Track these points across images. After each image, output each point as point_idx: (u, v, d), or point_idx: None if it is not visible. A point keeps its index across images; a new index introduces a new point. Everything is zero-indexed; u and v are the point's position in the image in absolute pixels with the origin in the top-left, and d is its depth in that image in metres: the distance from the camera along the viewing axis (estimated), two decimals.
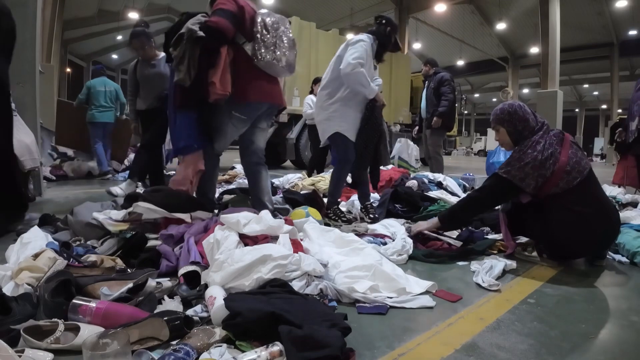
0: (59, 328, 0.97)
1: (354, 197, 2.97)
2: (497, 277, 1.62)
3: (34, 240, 1.58)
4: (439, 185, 3.57)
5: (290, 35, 2.22)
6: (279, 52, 2.13)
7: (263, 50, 2.10)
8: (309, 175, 4.63)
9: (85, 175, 5.13)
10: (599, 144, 27.25)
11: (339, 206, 2.70)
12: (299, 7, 15.19)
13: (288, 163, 8.38)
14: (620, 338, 1.18)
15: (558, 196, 1.73)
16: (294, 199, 2.81)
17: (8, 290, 1.17)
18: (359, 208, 2.78)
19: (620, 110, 18.15)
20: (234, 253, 1.35)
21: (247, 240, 1.53)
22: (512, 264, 1.76)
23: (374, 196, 3.06)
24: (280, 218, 1.83)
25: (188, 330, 1.02)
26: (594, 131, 30.52)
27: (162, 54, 3.36)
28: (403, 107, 9.63)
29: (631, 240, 1.97)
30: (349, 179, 3.18)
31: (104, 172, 5.06)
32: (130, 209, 1.86)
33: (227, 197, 2.89)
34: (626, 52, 17.74)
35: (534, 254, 1.98)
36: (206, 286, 1.27)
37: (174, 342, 0.97)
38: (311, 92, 5.42)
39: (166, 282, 1.31)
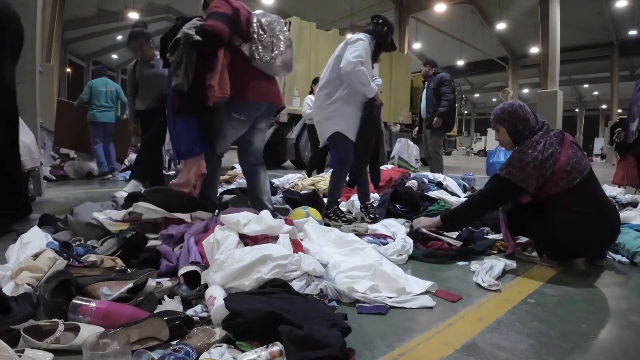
0: (59, 328, 0.97)
1: (354, 197, 2.97)
2: (497, 277, 1.62)
3: (34, 240, 1.58)
4: (439, 185, 3.57)
5: (287, 34, 2.23)
6: (276, 52, 2.14)
7: (261, 50, 2.11)
8: (309, 175, 4.63)
9: (85, 176, 5.13)
10: (599, 144, 27.27)
11: (339, 206, 2.70)
12: (299, 7, 15.20)
13: (288, 163, 8.38)
14: (620, 338, 1.18)
15: (558, 196, 1.73)
16: (293, 199, 2.81)
17: (8, 290, 1.17)
18: (359, 208, 2.78)
19: (620, 110, 18.15)
20: (234, 253, 1.35)
21: (247, 240, 1.53)
22: (512, 264, 1.76)
23: (374, 196, 3.06)
24: (280, 218, 1.84)
25: (188, 330, 1.02)
26: (594, 131, 30.52)
27: None
28: (403, 107, 9.63)
29: (631, 240, 1.97)
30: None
31: (104, 173, 5.07)
32: (130, 209, 1.86)
33: (227, 197, 2.90)
34: (626, 52, 17.75)
35: (534, 254, 1.98)
36: (206, 286, 1.27)
37: (174, 342, 0.97)
38: (311, 92, 5.42)
39: (166, 282, 1.31)
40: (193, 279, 1.37)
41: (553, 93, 8.66)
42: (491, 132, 3.60)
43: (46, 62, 8.68)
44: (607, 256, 1.93)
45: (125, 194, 3.04)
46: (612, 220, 1.76)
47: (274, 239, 1.57)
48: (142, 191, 2.55)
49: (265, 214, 1.67)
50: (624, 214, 2.54)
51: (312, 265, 1.38)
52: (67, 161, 5.28)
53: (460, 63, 20.26)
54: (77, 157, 5.40)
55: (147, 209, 1.83)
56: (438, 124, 4.68)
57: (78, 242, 1.75)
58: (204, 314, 1.15)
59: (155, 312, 1.12)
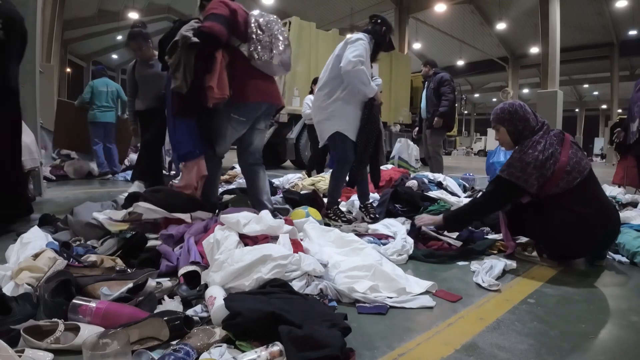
0: (59, 328, 0.97)
1: (354, 197, 2.97)
2: (497, 277, 1.62)
3: (34, 240, 1.58)
4: (439, 185, 3.57)
5: (285, 34, 2.23)
6: (275, 51, 2.14)
7: (260, 50, 2.11)
8: (308, 175, 4.63)
9: (85, 176, 5.13)
10: (599, 144, 27.26)
11: (339, 206, 2.70)
12: (299, 7, 15.19)
13: (288, 163, 8.39)
14: (620, 338, 1.18)
15: (558, 196, 1.73)
16: (293, 199, 2.81)
17: (8, 290, 1.17)
18: (358, 207, 2.78)
19: (620, 110, 18.15)
20: (234, 253, 1.35)
21: (247, 240, 1.54)
22: (512, 264, 1.76)
23: (374, 196, 3.06)
24: (280, 218, 1.84)
25: (188, 330, 1.02)
26: (594, 131, 30.51)
27: None
28: (403, 107, 9.63)
29: (631, 240, 1.97)
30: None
31: (104, 173, 5.07)
32: (130, 209, 1.86)
33: (227, 197, 2.90)
34: (626, 52, 17.74)
35: (534, 254, 1.98)
36: (206, 286, 1.27)
37: (174, 342, 0.97)
38: (311, 92, 5.42)
39: (166, 282, 1.31)
40: (193, 279, 1.37)
41: (553, 93, 8.66)
42: (491, 132, 3.60)
43: (46, 62, 8.68)
44: (607, 256, 1.93)
45: None
46: (612, 220, 1.76)
47: (274, 239, 1.57)
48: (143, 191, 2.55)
49: (265, 214, 1.67)
50: (624, 214, 2.54)
51: (312, 265, 1.38)
52: (67, 161, 5.28)
53: (460, 63, 20.25)
54: (77, 157, 5.39)
55: (147, 209, 1.83)
56: (439, 124, 4.69)
57: (78, 242, 1.75)
58: (204, 314, 1.15)
59: (155, 312, 1.12)
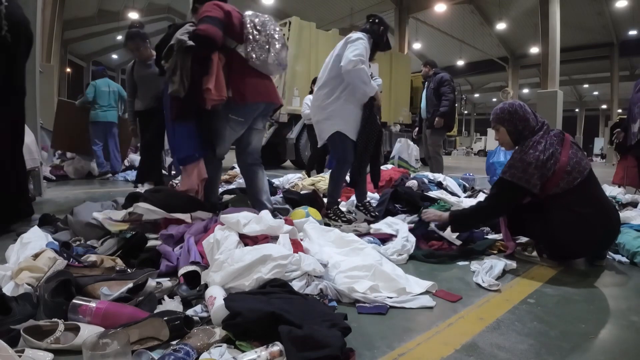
0: (59, 328, 0.97)
1: (354, 197, 2.97)
2: (497, 277, 1.62)
3: (34, 240, 1.58)
4: (439, 185, 3.56)
5: (280, 33, 2.24)
6: (272, 51, 2.15)
7: (257, 50, 2.12)
8: (308, 174, 4.63)
9: (85, 176, 5.13)
10: (599, 144, 27.26)
11: (339, 206, 2.70)
12: (299, 7, 15.19)
13: (288, 163, 8.38)
14: (620, 338, 1.18)
15: (558, 196, 1.73)
16: (293, 199, 2.81)
17: (8, 290, 1.17)
18: (355, 205, 2.78)
19: (620, 110, 18.14)
20: (234, 253, 1.35)
21: (247, 240, 1.53)
22: (512, 264, 1.76)
23: (374, 196, 3.07)
24: (280, 218, 1.83)
25: (188, 330, 1.02)
26: (594, 131, 30.51)
27: None
28: (403, 107, 9.63)
29: (631, 240, 1.97)
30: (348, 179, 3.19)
31: (104, 172, 5.07)
32: (130, 209, 1.86)
33: (227, 197, 2.90)
34: (626, 52, 17.73)
35: (534, 254, 1.98)
36: (206, 286, 1.27)
37: (174, 342, 0.97)
38: (310, 92, 5.42)
39: (166, 282, 1.31)
40: (193, 279, 1.37)
41: (553, 93, 8.66)
42: (491, 132, 3.60)
43: (46, 62, 8.68)
44: (607, 256, 1.93)
45: None
46: (612, 220, 1.76)
47: (274, 239, 1.57)
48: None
49: (265, 214, 1.67)
50: (624, 214, 2.54)
51: (312, 265, 1.38)
52: (67, 161, 5.28)
53: (460, 63, 20.25)
54: (76, 157, 5.38)
55: (147, 210, 1.83)
56: (440, 124, 4.69)
57: (78, 242, 1.75)
58: (204, 314, 1.15)
59: (155, 312, 1.12)
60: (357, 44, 2.44)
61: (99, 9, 16.54)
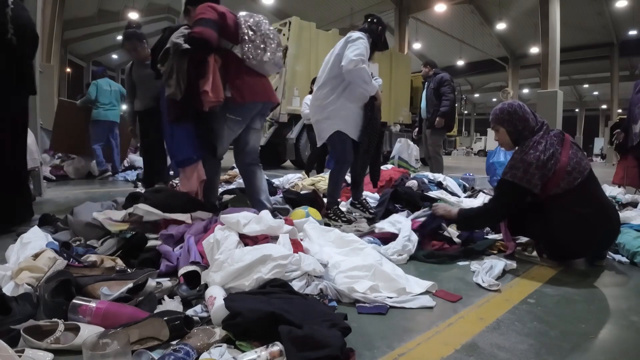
0: (59, 328, 0.97)
1: None
2: (497, 277, 1.62)
3: (34, 240, 1.58)
4: (439, 185, 3.57)
5: (274, 33, 2.26)
6: (269, 50, 2.16)
7: (253, 50, 2.12)
8: (307, 174, 4.63)
9: (85, 176, 5.13)
10: (599, 144, 27.25)
11: (339, 206, 2.70)
12: (299, 7, 15.18)
13: (288, 163, 8.38)
14: (620, 338, 1.18)
15: (558, 196, 1.73)
16: (293, 199, 2.81)
17: (8, 290, 1.17)
18: (350, 203, 2.79)
19: (620, 110, 18.14)
20: (234, 253, 1.35)
21: (247, 240, 1.53)
22: (512, 264, 1.76)
23: (374, 196, 3.07)
24: (280, 218, 1.84)
25: (188, 330, 1.02)
26: (594, 131, 30.51)
27: None
28: (403, 107, 9.63)
29: (631, 240, 1.97)
30: (348, 179, 3.19)
31: (104, 170, 5.06)
32: (130, 210, 1.86)
33: (226, 197, 2.90)
34: (626, 52, 17.71)
35: (534, 254, 1.98)
36: (206, 286, 1.27)
37: (174, 342, 0.97)
38: (310, 92, 5.42)
39: (166, 282, 1.31)
40: (193, 279, 1.37)
41: (553, 93, 8.66)
42: (491, 132, 3.59)
43: (46, 62, 8.68)
44: (607, 256, 1.93)
45: None
46: (612, 220, 1.76)
47: (274, 239, 1.57)
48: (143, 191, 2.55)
49: (265, 214, 1.67)
50: (624, 214, 2.54)
51: (312, 265, 1.38)
52: (67, 161, 5.28)
53: (460, 63, 20.24)
54: (76, 157, 5.38)
55: (147, 212, 1.83)
56: (440, 124, 4.69)
57: (78, 242, 1.75)
58: (204, 314, 1.15)
59: (155, 312, 1.12)
60: (358, 44, 2.44)
61: (99, 9, 16.54)
